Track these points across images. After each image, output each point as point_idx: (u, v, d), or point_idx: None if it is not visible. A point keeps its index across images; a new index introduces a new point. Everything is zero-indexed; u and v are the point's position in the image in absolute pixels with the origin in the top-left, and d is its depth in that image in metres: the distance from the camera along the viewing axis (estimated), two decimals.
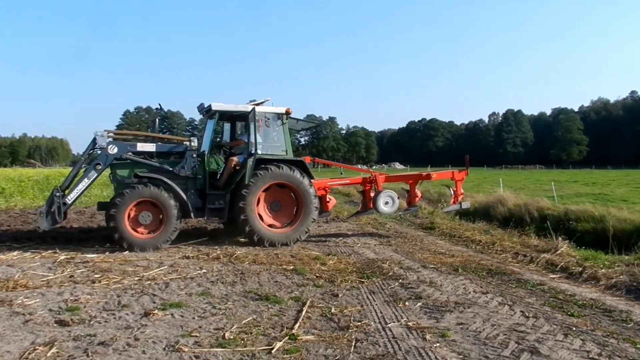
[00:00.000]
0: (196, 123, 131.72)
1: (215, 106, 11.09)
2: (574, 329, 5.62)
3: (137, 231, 10.17)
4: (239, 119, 12.24)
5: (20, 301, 6.47)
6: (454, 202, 13.00)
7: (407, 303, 6.64)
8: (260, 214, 10.97)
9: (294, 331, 5.48)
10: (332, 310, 6.27)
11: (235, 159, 11.19)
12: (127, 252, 9.84)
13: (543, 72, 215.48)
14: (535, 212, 16.50)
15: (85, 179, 10.35)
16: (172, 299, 6.73)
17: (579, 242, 11.60)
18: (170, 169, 10.67)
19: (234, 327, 5.61)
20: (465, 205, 13.12)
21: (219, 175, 11.17)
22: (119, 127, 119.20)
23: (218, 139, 12.67)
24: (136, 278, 7.78)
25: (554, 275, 8.60)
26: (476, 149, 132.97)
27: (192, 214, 10.65)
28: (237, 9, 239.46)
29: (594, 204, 16.08)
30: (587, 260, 9.16)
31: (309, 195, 11.11)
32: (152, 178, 10.40)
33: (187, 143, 11.17)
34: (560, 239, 10.46)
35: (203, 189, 10.90)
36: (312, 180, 11.36)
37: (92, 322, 5.75)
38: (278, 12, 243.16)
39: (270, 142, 11.41)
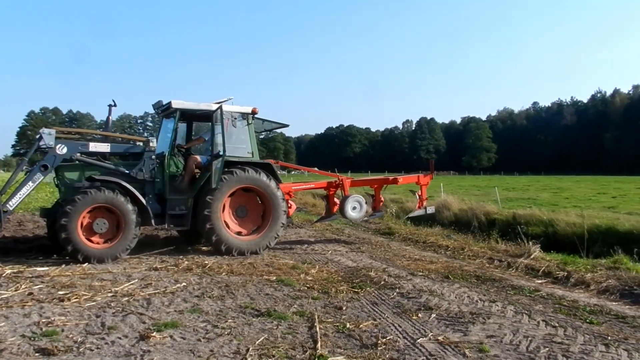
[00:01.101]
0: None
1: (176, 104, 10.19)
2: (609, 338, 5.46)
3: (91, 241, 9.07)
4: (201, 119, 11.35)
5: None
6: (419, 207, 12.70)
7: (419, 315, 6.27)
8: (226, 221, 10.20)
9: (319, 351, 4.96)
10: (347, 326, 5.79)
11: (197, 158, 10.34)
12: (85, 264, 8.80)
13: (454, 82, 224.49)
14: (482, 216, 16.81)
15: (30, 182, 9.10)
16: (162, 317, 5.98)
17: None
18: (127, 171, 9.66)
19: (250, 349, 5.00)
20: (430, 210, 12.80)
21: (178, 178, 10.19)
22: (21, 129, 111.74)
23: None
24: (109, 294, 6.90)
25: (541, 281, 8.55)
26: (392, 155, 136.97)
27: (152, 221, 9.69)
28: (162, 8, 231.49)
29: (540, 209, 16.53)
30: (566, 264, 9.21)
31: (277, 199, 10.43)
32: (107, 181, 9.33)
33: (140, 143, 10.26)
34: (531, 243, 10.48)
35: (162, 194, 9.96)
36: (279, 183, 10.74)
37: (81, 350, 4.93)
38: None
39: (235, 144, 10.48)
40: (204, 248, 10.61)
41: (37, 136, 9.47)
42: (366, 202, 12.07)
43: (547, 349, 5.06)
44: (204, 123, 12.05)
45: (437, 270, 9.00)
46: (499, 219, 16.03)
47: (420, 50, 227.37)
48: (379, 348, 5.10)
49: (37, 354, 4.82)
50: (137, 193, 9.44)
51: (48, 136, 9.22)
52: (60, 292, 6.94)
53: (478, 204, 17.97)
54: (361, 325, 5.81)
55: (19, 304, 6.36)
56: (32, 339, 5.20)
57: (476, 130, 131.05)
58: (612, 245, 10.54)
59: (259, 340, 5.26)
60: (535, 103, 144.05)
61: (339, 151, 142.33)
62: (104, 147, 9.92)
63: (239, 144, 10.63)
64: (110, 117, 11.50)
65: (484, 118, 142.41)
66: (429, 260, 10.05)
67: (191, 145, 11.26)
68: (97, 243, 9.13)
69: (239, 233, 10.32)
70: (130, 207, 9.23)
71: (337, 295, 7.18)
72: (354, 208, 11.71)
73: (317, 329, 5.64)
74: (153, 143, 9.95)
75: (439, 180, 57.73)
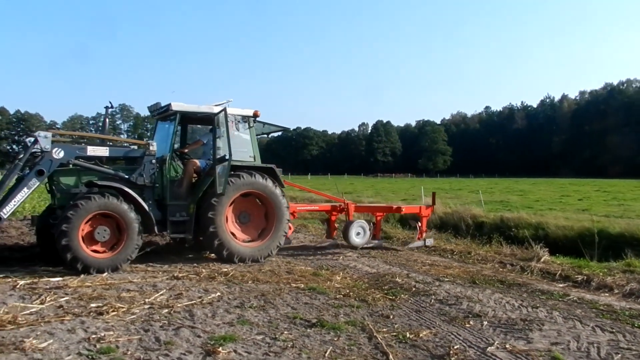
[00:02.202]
0: (58, 126, 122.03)
1: (176, 106, 9.86)
2: None
3: (91, 250, 8.57)
4: (200, 122, 11.06)
5: (29, 344, 5.13)
6: (419, 238, 12.17)
7: (470, 322, 6.26)
8: (229, 226, 9.88)
9: None
10: (408, 335, 5.72)
11: (196, 162, 10.03)
12: (103, 274, 8.43)
13: (408, 85, 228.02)
14: (469, 219, 17.04)
15: (25, 188, 8.47)
16: (216, 331, 5.77)
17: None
18: (126, 176, 9.23)
19: None
20: (429, 242, 12.25)
21: (177, 183, 9.83)
22: None
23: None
24: (145, 306, 6.63)
25: (562, 285, 8.69)
26: (349, 158, 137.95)
27: (155, 228, 9.26)
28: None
29: (526, 212, 16.90)
30: (581, 268, 9.40)
31: (282, 207, 10.19)
32: (108, 187, 8.89)
33: (135, 147, 9.89)
34: (539, 247, 10.66)
35: (161, 200, 9.58)
36: (283, 189, 10.52)
37: None
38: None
39: (237, 147, 9.99)
40: (190, 255, 10.56)
41: (30, 139, 8.87)
42: (370, 229, 11.76)
43: (620, 355, 5.13)
44: (198, 126, 11.81)
45: (459, 275, 9.05)
46: (486, 222, 16.29)
47: (375, 54, 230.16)
48: (452, 358, 5.06)
49: None
50: (139, 199, 9.03)
51: (44, 139, 8.66)
52: (93, 305, 6.61)
53: (463, 207, 18.22)
54: (421, 335, 5.75)
55: (56, 319, 6.02)
56: (91, 357, 4.92)
57: (432, 134, 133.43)
58: (615, 248, 10.84)
59: (327, 353, 5.14)
60: (487, 107, 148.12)
61: (297, 154, 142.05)
62: (103, 151, 9.45)
63: (241, 148, 10.27)
64: (107, 119, 11.01)
65: (438, 121, 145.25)
66: (443, 265, 10.10)
67: (190, 149, 10.93)
68: (97, 252, 8.65)
69: (241, 239, 10.00)
70: (133, 215, 8.80)
71: (376, 303, 7.11)
72: (358, 234, 11.49)
73: (379, 339, 5.56)
74: (153, 147, 9.53)
75: (404, 183, 58.60)
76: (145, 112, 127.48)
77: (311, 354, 5.11)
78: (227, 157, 9.47)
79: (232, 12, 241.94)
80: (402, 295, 7.51)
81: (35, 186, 8.65)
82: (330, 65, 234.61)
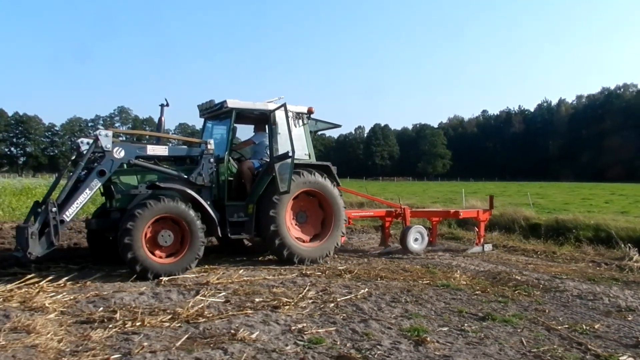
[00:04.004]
0: (57, 129, 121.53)
1: (232, 103, 9.61)
2: None
3: (153, 254, 8.24)
4: (252, 120, 10.62)
5: (240, 335, 5.36)
6: (477, 244, 11.82)
7: (630, 317, 6.49)
8: (288, 226, 9.60)
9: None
10: (584, 327, 5.96)
11: (250, 162, 9.90)
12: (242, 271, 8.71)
13: (404, 89, 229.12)
14: (522, 221, 17.34)
15: (87, 190, 8.10)
16: (399, 323, 6.02)
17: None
18: (185, 176, 8.98)
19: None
20: (488, 247, 11.80)
21: (233, 184, 9.75)
22: None
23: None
24: (308, 301, 6.90)
25: None
26: (346, 161, 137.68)
27: (218, 231, 9.04)
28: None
29: (581, 213, 17.19)
30: None
31: (340, 207, 10.04)
32: (170, 188, 8.69)
33: (200, 146, 9.49)
34: (628, 247, 10.95)
35: (219, 200, 9.37)
36: (339, 187, 10.36)
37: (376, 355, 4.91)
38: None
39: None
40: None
41: (83, 140, 8.60)
42: (427, 234, 11.32)
43: None
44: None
45: (569, 272, 9.31)
46: (541, 224, 16.57)
47: (371, 57, 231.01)
48: None
49: None
50: (203, 202, 8.83)
51: (105, 138, 8.36)
52: (258, 299, 6.86)
53: (513, 208, 18.48)
54: (596, 327, 6.00)
55: (238, 312, 6.27)
56: (308, 347, 5.14)
57: (431, 137, 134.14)
58: None
59: (525, 343, 5.38)
60: (484, 111, 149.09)
61: None
62: (162, 150, 9.18)
63: (296, 145, 9.68)
64: (163, 118, 10.32)
65: (435, 125, 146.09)
66: (544, 264, 10.34)
67: (241, 147, 10.69)
68: (158, 257, 8.33)
69: (299, 239, 9.77)
70: (197, 218, 8.52)
71: (519, 298, 7.36)
72: (416, 239, 11.07)
73: (560, 331, 5.80)
74: (211, 145, 9.28)
75: (413, 187, 58.60)
76: (143, 114, 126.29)
77: (509, 344, 5.35)
78: (289, 154, 9.16)
79: (229, 14, 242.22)
80: (535, 292, 7.75)
81: (97, 187, 8.32)
82: (326, 69, 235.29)
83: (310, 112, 10.37)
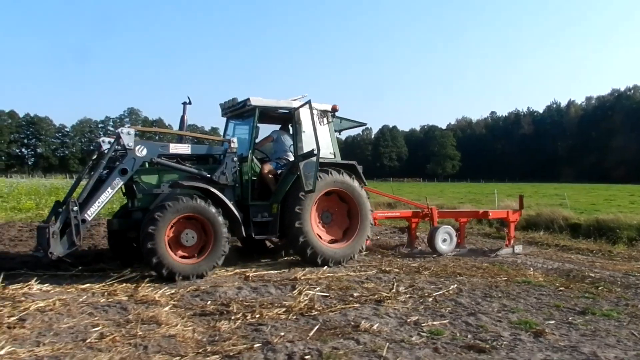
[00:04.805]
0: (67, 130, 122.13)
1: (255, 101, 9.35)
2: None
3: (177, 254, 8.05)
4: (278, 118, 10.31)
5: (362, 326, 5.58)
6: (507, 245, 11.39)
7: None
8: (313, 226, 9.27)
9: None
10: None
11: (269, 165, 9.64)
12: (320, 267, 8.94)
13: (411, 91, 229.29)
14: (561, 221, 17.49)
15: (109, 189, 7.91)
16: (508, 317, 6.20)
17: None
18: (208, 175, 8.77)
19: None
20: (518, 249, 11.42)
21: (256, 183, 9.47)
22: None
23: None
24: (406, 295, 7.10)
25: None
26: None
27: (242, 230, 8.77)
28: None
29: (623, 214, 17.32)
30: None
31: (366, 208, 9.78)
32: (193, 187, 8.48)
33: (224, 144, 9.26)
34: None
35: (241, 200, 9.15)
36: (365, 187, 10.12)
37: (502, 345, 5.11)
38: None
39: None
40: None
41: (104, 139, 8.58)
42: (456, 235, 11.18)
43: None
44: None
45: (637, 270, 9.47)
46: (583, 224, 16.72)
47: (377, 58, 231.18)
48: None
49: (468, 351, 4.97)
50: (227, 201, 8.58)
51: (127, 136, 8.16)
52: (356, 294, 7.09)
53: (551, 209, 18.65)
54: None
55: (345, 306, 6.48)
56: (432, 338, 5.34)
57: (441, 139, 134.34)
58: None
59: None
60: (493, 112, 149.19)
61: None
62: (185, 149, 8.96)
63: (320, 144, 9.31)
64: (186, 116, 9.94)
65: (443, 127, 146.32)
66: (607, 262, 10.53)
67: (262, 145, 10.28)
68: (183, 257, 8.13)
69: (324, 240, 9.46)
70: (221, 217, 8.30)
71: (604, 294, 7.52)
72: (444, 240, 10.87)
73: None
74: (234, 144, 9.02)
75: (428, 188, 58.54)
76: (153, 116, 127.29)
77: (622, 336, 5.51)
78: (314, 152, 8.90)
79: (230, 12, 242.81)
80: (616, 288, 7.91)
81: (119, 186, 8.15)
82: (332, 69, 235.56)
83: (334, 110, 10.15)
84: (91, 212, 7.76)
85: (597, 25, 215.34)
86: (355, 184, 9.71)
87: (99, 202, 7.82)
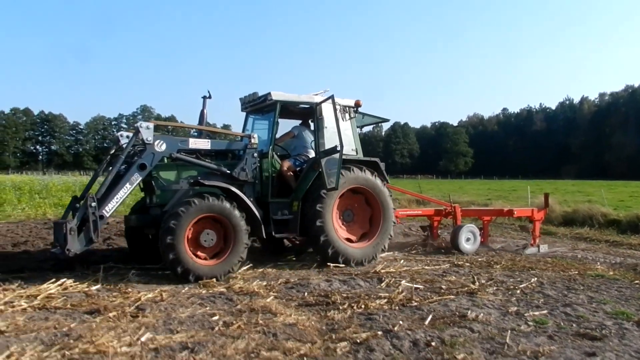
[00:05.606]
0: (81, 127, 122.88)
1: (276, 95, 9.10)
2: None
3: (195, 254, 7.81)
4: (299, 113, 10.17)
5: (469, 316, 5.81)
6: (533, 244, 11.24)
7: None
8: (334, 224, 9.07)
9: None
10: None
11: (288, 162, 9.43)
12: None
13: (421, 87, 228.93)
14: (599, 217, 17.66)
15: (127, 184, 7.72)
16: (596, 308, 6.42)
17: None
18: (228, 171, 8.51)
19: None
20: (544, 248, 11.22)
21: (275, 180, 9.20)
22: None
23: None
24: (491, 289, 7.32)
25: None
26: None
27: (262, 230, 8.46)
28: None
29: None
30: None
31: (389, 206, 9.52)
32: (214, 186, 8.21)
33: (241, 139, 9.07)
34: None
35: (261, 197, 8.94)
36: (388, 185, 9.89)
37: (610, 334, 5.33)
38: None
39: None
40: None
41: (122, 133, 8.57)
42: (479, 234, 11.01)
43: None
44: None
45: None
46: (623, 220, 16.87)
47: (387, 55, 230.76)
48: None
49: (581, 339, 5.19)
50: (246, 199, 8.28)
51: (146, 131, 7.93)
52: (444, 286, 7.35)
53: (589, 205, 18.85)
54: None
55: (443, 297, 6.71)
56: (534, 326, 5.56)
57: (453, 135, 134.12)
58: None
59: None
60: (505, 109, 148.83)
61: None
62: (204, 144, 8.72)
63: (343, 140, 9.06)
64: (205, 110, 9.63)
65: (454, 123, 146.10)
66: None
67: (283, 140, 9.90)
68: (201, 258, 7.88)
69: (345, 239, 9.24)
70: (242, 219, 8.03)
71: None
72: (468, 239, 10.63)
73: None
74: (255, 139, 8.78)
75: (446, 185, 58.53)
76: (165, 113, 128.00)
77: None
78: (337, 149, 8.68)
79: (232, 10, 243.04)
80: None
81: (138, 181, 7.91)
82: (332, 69, 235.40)
83: (357, 105, 9.85)
84: (109, 208, 7.59)
85: (608, 23, 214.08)
86: (378, 181, 9.47)
87: (117, 198, 7.65)
